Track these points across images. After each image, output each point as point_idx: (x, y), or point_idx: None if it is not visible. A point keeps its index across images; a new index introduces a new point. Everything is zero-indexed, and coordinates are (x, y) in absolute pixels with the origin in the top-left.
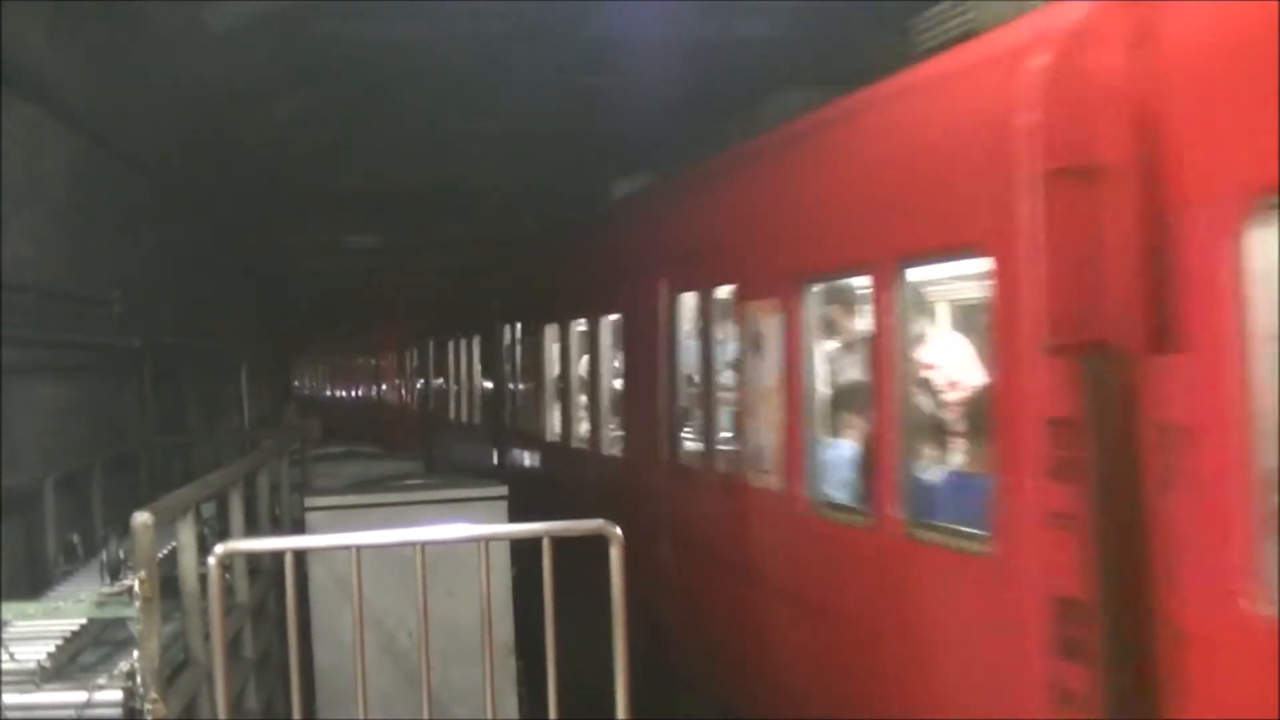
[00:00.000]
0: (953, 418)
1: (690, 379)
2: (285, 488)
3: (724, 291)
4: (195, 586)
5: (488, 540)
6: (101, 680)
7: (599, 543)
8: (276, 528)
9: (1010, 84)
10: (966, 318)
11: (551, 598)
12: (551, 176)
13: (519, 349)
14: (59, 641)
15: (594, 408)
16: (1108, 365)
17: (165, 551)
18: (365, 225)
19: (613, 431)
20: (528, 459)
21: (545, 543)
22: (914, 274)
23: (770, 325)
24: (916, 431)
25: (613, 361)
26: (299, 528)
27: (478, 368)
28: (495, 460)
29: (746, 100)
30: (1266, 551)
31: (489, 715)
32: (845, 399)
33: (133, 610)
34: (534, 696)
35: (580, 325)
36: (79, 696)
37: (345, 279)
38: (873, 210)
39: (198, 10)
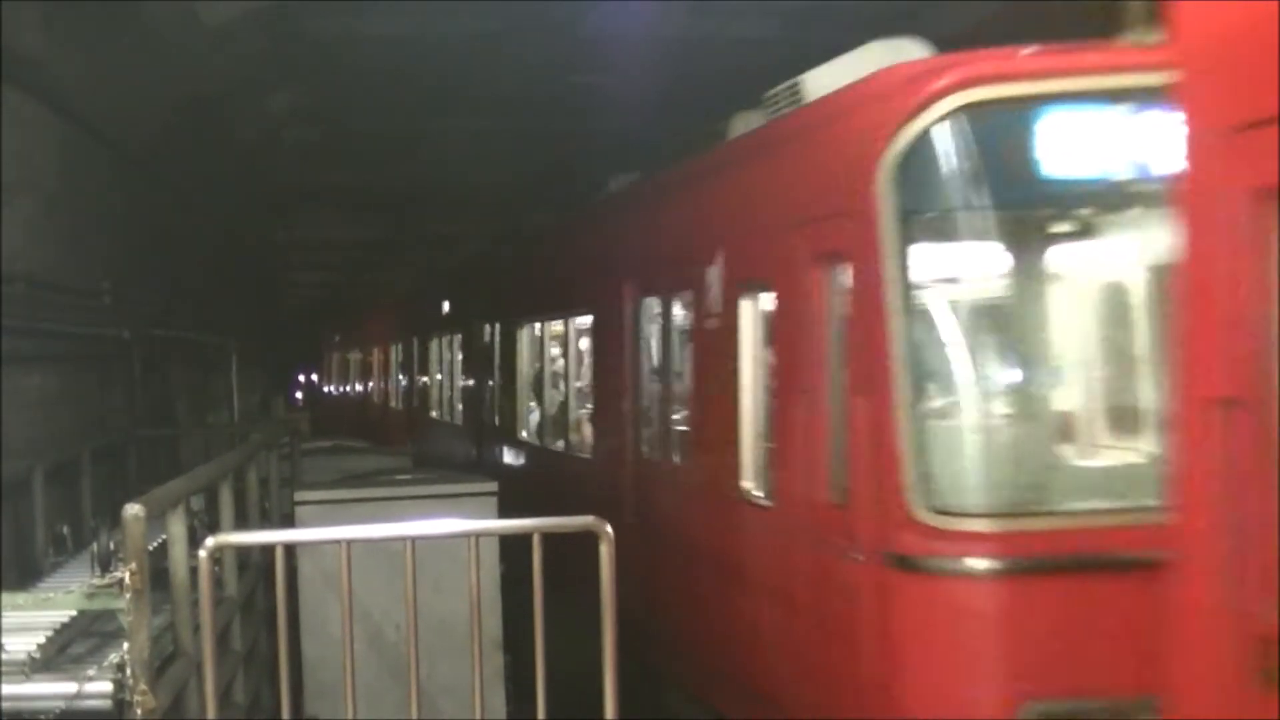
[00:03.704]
0: None
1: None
2: (275, 481)
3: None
4: (185, 579)
5: (477, 535)
6: (91, 671)
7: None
8: (266, 521)
9: None
10: None
11: (540, 593)
12: (544, 174)
13: None
14: (49, 633)
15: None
16: None
17: (155, 544)
18: (356, 221)
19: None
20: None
21: (535, 539)
22: None
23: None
24: None
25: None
26: (288, 522)
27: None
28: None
29: (740, 100)
30: None
31: (476, 710)
32: None
33: (122, 602)
34: (521, 693)
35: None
36: (69, 688)
37: (337, 274)
38: None
39: (191, 5)
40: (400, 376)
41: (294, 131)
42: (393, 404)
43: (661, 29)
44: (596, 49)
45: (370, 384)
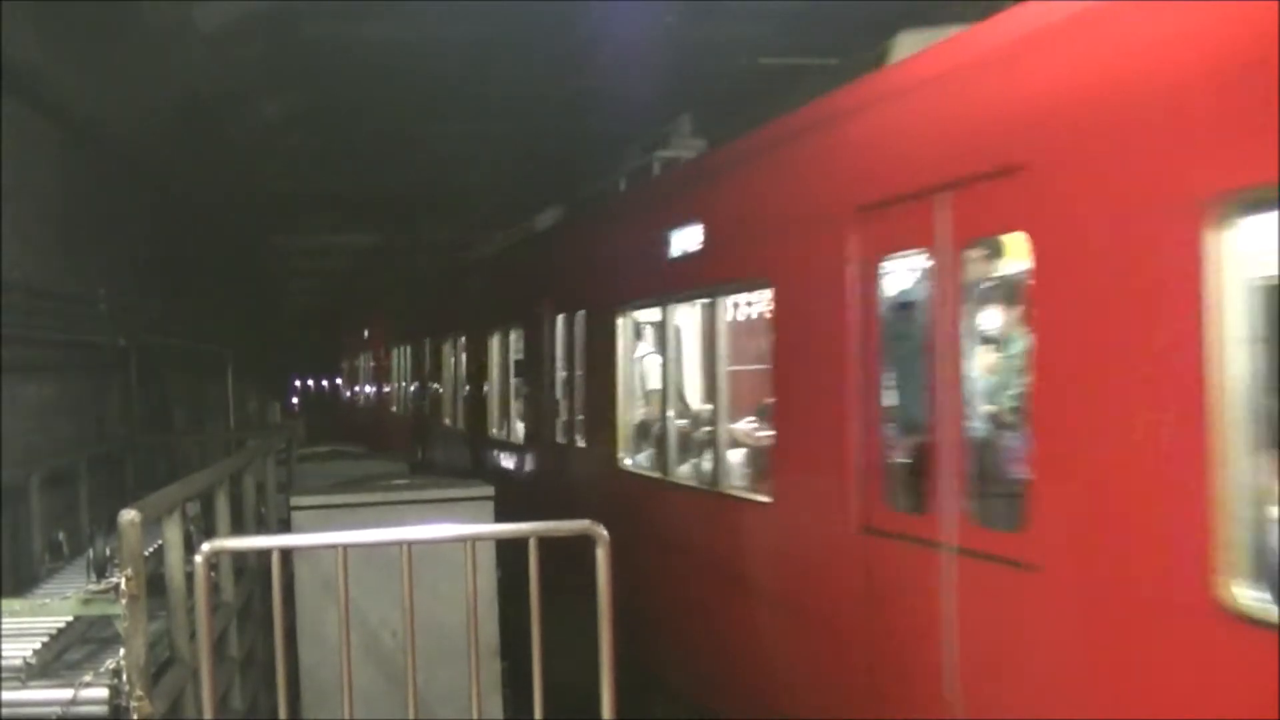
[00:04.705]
0: None
1: None
2: (271, 487)
3: None
4: (181, 585)
5: (474, 540)
6: (87, 678)
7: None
8: (262, 527)
9: None
10: None
11: (538, 598)
12: (538, 179)
13: None
14: (45, 639)
15: None
16: None
17: (151, 550)
18: (355, 226)
19: None
20: None
21: (532, 543)
22: None
23: None
24: None
25: None
26: (284, 527)
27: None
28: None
29: (732, 104)
30: None
31: (474, 716)
32: None
33: (119, 608)
34: (518, 698)
35: None
36: (65, 694)
37: (334, 280)
38: None
39: (187, 10)
40: (503, 382)
41: (291, 137)
42: (498, 432)
43: (659, 31)
44: (594, 52)
45: (434, 390)
